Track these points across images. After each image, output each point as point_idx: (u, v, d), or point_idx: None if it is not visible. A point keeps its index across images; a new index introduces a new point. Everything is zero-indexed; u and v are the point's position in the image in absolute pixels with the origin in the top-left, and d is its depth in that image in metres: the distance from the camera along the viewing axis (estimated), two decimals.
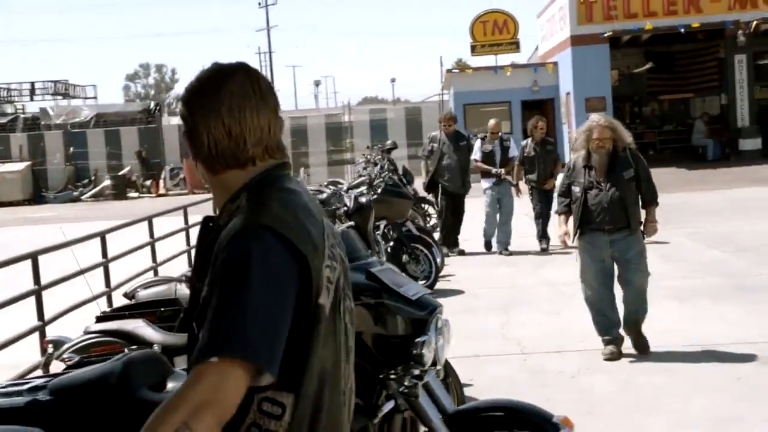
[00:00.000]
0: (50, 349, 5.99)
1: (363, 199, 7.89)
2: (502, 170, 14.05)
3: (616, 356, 7.84)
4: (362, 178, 18.39)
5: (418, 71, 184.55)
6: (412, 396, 4.10)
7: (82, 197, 38.48)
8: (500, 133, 14.35)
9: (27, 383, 4.45)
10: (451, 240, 14.29)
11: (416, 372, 4.07)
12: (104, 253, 8.83)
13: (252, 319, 2.04)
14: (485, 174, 14.24)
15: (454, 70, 34.30)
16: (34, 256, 7.07)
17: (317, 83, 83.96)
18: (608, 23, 30.19)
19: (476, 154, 14.21)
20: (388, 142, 19.82)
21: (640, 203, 8.15)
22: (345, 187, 14.24)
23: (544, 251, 14.17)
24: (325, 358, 2.19)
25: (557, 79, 33.00)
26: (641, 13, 30.28)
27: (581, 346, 8.30)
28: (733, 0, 29.96)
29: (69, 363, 5.65)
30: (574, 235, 8.15)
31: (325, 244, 2.21)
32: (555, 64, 33.30)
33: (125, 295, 8.29)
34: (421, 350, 4.01)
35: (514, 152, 14.31)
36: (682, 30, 29.90)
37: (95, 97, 57.95)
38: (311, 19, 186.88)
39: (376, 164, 18.41)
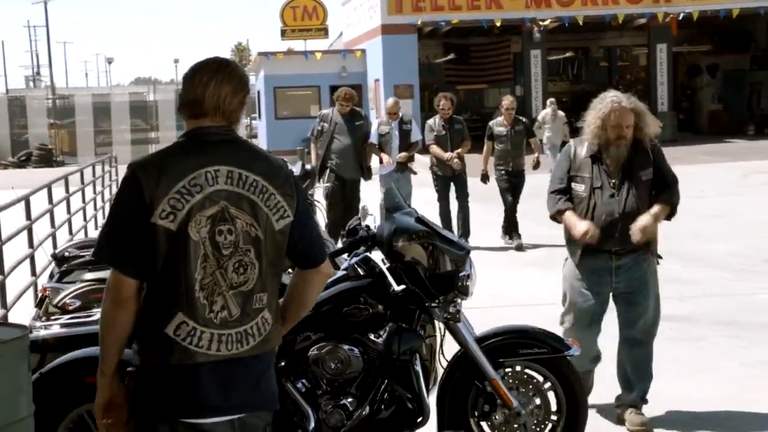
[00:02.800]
0: (49, 296, 6.41)
1: (308, 166, 8.59)
2: (400, 156, 12.30)
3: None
4: None
5: (200, 54, 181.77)
6: (453, 320, 4.91)
7: None
8: (400, 114, 12.71)
9: None
10: (337, 231, 11.64)
11: (458, 300, 4.90)
12: (28, 216, 9.07)
13: (103, 230, 3.18)
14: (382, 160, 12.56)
15: (270, 54, 34.76)
16: None
17: (110, 61, 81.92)
18: (417, 14, 31.66)
19: (372, 137, 12.43)
20: None
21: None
22: None
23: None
24: (172, 260, 3.03)
25: (365, 66, 34.23)
26: (447, 6, 31.95)
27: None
28: None
29: (72, 307, 6.13)
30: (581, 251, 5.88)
31: (181, 182, 3.03)
32: (363, 51, 34.51)
33: (54, 255, 8.62)
34: (466, 282, 4.83)
35: (417, 135, 12.84)
36: (486, 26, 31.85)
37: None
38: None
39: None
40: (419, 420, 4.85)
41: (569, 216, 5.86)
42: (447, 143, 12.90)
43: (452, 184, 13.04)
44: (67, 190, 12.59)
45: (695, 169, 22.85)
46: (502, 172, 13.14)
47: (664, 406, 6.24)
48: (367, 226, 5.15)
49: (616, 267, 5.80)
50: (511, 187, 13.06)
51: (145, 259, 3.03)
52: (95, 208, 16.20)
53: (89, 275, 6.55)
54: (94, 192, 16.62)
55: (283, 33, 35.49)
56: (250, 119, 43.25)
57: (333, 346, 4.87)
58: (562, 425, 5.07)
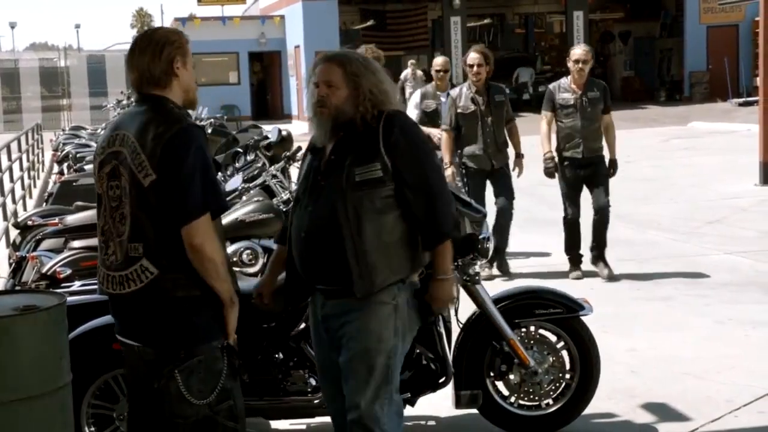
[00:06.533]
0: (37, 265, 6.28)
1: (285, 132, 8.52)
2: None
3: None
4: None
5: (103, 19, 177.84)
6: (472, 282, 4.96)
7: None
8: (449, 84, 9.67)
9: None
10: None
11: (477, 263, 4.95)
12: None
13: None
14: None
15: (186, 20, 34.22)
16: None
17: (13, 25, 79.46)
18: None
19: (412, 114, 9.18)
20: None
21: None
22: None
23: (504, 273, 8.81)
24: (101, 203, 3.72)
25: (284, 32, 33.96)
26: None
27: None
28: None
29: (63, 275, 6.03)
30: None
31: (100, 145, 3.74)
32: (282, 17, 34.21)
33: (16, 224, 8.45)
34: (486, 245, 4.88)
35: None
36: None
37: None
38: None
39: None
40: (441, 380, 4.91)
41: None
42: (479, 125, 8.74)
43: (488, 180, 8.89)
44: (9, 158, 12.28)
45: (618, 134, 23.30)
46: (566, 162, 8.64)
47: (646, 364, 6.41)
48: None
49: (322, 316, 3.99)
50: (579, 184, 8.74)
51: None
52: (29, 177, 15.82)
53: (77, 243, 6.42)
54: (28, 160, 16.22)
55: None
56: None
57: None
58: (575, 383, 5.18)
